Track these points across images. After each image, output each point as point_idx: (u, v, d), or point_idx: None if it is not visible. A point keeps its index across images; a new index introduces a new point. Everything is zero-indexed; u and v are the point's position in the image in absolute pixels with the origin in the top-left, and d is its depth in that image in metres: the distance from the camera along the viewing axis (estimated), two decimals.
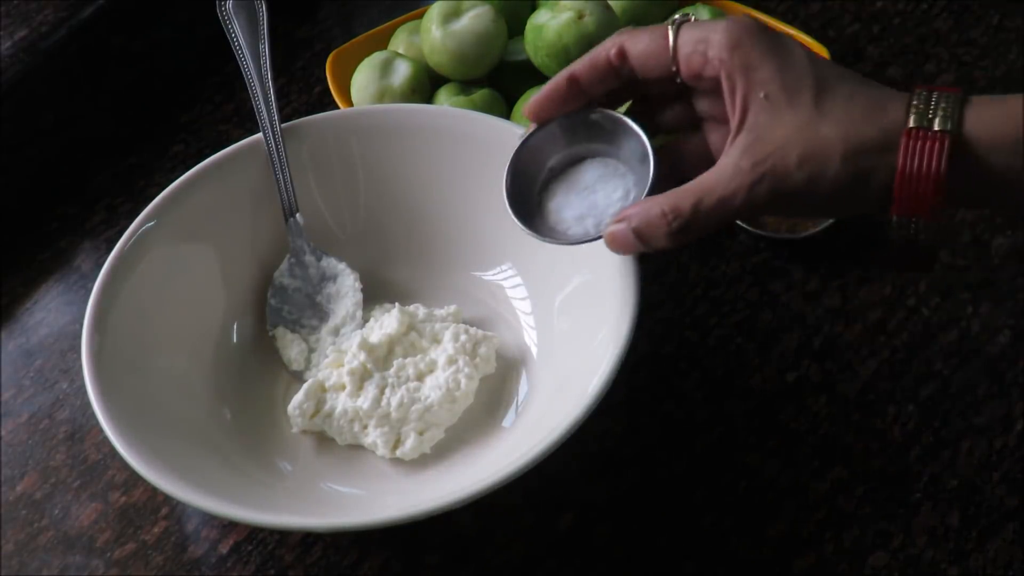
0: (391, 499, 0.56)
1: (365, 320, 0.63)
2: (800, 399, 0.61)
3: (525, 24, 0.71)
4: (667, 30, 0.50)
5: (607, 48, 0.51)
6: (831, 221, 0.67)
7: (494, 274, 0.65)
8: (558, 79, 0.52)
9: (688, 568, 0.55)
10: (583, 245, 0.51)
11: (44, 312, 0.68)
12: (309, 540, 0.56)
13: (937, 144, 0.44)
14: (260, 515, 0.50)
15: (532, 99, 0.53)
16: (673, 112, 0.53)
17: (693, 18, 0.50)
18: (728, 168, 0.47)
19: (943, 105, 0.44)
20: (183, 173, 0.62)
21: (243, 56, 0.65)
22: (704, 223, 0.47)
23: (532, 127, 0.53)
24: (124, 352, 0.56)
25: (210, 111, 0.81)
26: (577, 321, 0.59)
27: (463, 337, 0.60)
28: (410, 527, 0.48)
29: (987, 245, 0.68)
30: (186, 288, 0.61)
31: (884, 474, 0.57)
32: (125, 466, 0.51)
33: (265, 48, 0.65)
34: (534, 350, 0.61)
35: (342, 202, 0.66)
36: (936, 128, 0.44)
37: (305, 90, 0.81)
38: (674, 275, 0.67)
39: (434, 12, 0.71)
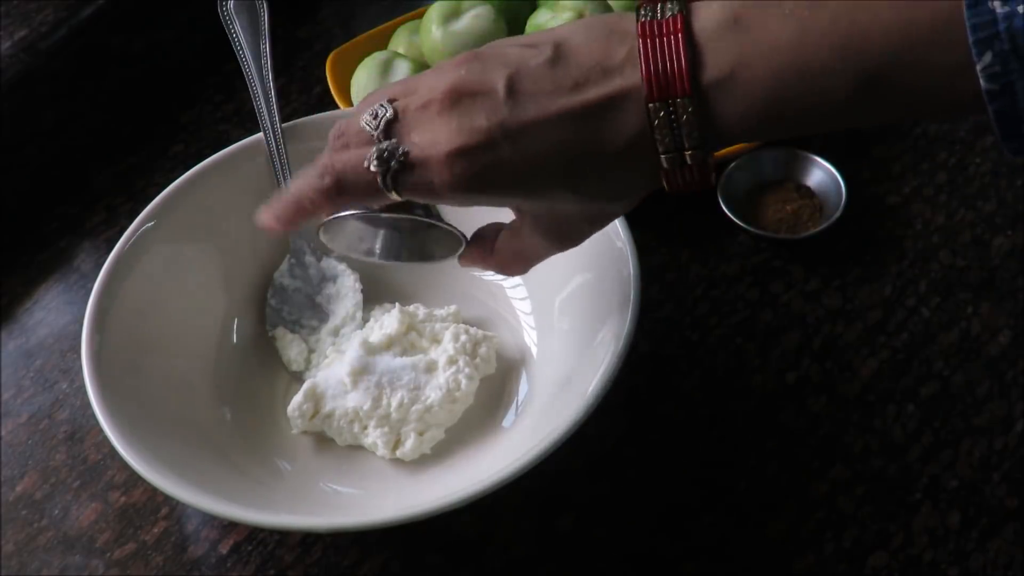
0: (391, 499, 0.56)
1: (365, 320, 0.63)
2: (800, 399, 0.61)
3: (525, 24, 0.71)
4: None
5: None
6: (831, 221, 0.67)
7: (494, 274, 0.65)
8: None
9: (688, 568, 0.55)
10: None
11: (44, 312, 0.68)
12: (309, 540, 0.56)
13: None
14: (260, 515, 0.50)
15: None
16: None
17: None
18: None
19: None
20: (183, 173, 0.62)
21: (244, 56, 0.65)
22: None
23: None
24: (124, 352, 0.56)
25: (210, 111, 0.81)
26: (577, 321, 0.59)
27: (463, 337, 0.60)
28: (410, 527, 0.48)
29: (987, 245, 0.68)
30: (186, 288, 0.61)
31: (884, 474, 0.57)
32: (125, 466, 0.51)
33: (266, 48, 0.65)
34: (534, 350, 0.61)
35: None
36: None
37: (305, 90, 0.81)
38: (674, 275, 0.67)
39: (434, 12, 0.71)
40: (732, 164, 0.69)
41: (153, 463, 0.50)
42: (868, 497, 0.56)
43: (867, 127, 0.73)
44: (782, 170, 0.71)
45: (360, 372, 0.58)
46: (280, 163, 0.63)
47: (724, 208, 0.68)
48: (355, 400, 0.57)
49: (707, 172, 0.43)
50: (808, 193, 0.70)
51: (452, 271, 0.65)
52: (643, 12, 0.43)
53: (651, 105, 0.41)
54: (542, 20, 0.69)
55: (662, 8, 0.43)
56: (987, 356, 0.62)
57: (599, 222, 0.48)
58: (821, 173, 0.70)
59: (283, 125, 0.63)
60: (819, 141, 0.72)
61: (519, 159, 0.43)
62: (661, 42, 0.41)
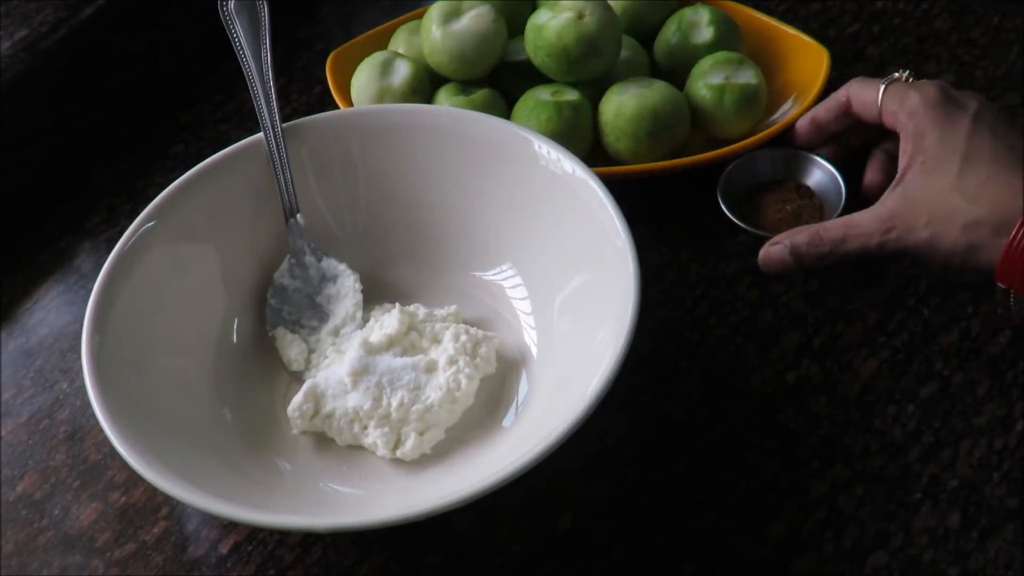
0: (391, 499, 0.56)
1: (365, 320, 0.63)
2: (800, 399, 0.61)
3: (525, 24, 0.71)
4: (879, 86, 0.63)
5: (839, 96, 0.65)
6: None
7: (494, 274, 0.65)
8: (804, 122, 0.68)
9: (688, 568, 0.55)
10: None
11: (44, 312, 0.68)
12: (309, 540, 0.56)
13: None
14: (260, 515, 0.50)
15: (797, 130, 0.68)
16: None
17: (905, 76, 0.63)
18: (872, 214, 0.59)
19: None
20: (183, 173, 0.62)
21: (244, 56, 0.65)
22: (842, 255, 0.60)
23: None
24: (124, 352, 0.56)
25: (210, 111, 0.81)
26: (577, 321, 0.59)
27: (463, 337, 0.60)
28: (410, 527, 0.48)
29: None
30: (186, 288, 0.61)
31: (884, 474, 0.57)
32: (125, 466, 0.51)
33: (267, 48, 0.65)
34: (534, 350, 0.61)
35: (342, 202, 0.66)
36: None
37: (305, 90, 0.81)
38: (674, 275, 0.67)
39: (434, 12, 0.71)
40: (732, 164, 0.69)
41: (153, 463, 0.50)
42: (868, 497, 0.57)
43: None
44: (782, 170, 0.71)
45: (360, 372, 0.58)
46: (280, 163, 0.63)
47: (724, 208, 0.68)
48: (355, 400, 0.57)
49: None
50: (808, 193, 0.70)
51: (452, 271, 0.65)
52: None
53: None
54: (542, 20, 0.69)
55: None
56: (987, 356, 0.62)
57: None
58: (821, 173, 0.70)
59: (283, 125, 0.63)
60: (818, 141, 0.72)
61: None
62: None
